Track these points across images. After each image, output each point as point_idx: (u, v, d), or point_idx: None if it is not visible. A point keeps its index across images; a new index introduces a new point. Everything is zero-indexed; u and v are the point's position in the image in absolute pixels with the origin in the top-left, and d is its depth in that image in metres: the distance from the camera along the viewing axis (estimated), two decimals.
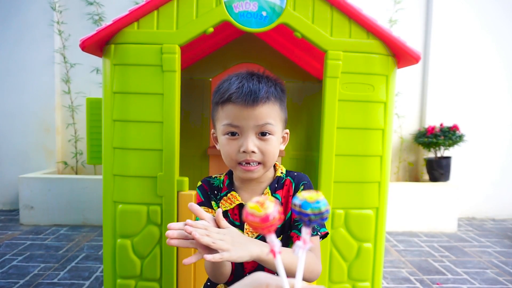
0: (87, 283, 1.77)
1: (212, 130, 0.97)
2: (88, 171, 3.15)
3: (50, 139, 3.09)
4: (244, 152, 0.85)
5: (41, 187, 2.71)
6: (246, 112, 0.84)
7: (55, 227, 2.64)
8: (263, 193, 0.92)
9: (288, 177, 0.94)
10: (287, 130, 0.96)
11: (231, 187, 0.94)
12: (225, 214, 0.91)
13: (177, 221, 1.16)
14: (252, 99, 0.83)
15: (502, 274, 2.00)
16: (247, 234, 0.88)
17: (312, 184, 0.95)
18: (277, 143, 0.89)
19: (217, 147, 0.95)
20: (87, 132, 1.31)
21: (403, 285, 1.85)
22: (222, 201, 0.93)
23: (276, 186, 0.92)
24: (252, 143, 0.84)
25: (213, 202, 0.94)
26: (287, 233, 0.90)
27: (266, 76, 0.90)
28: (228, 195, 0.92)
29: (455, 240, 2.60)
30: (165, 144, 1.13)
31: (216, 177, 0.99)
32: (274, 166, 0.97)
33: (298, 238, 0.86)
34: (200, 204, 0.93)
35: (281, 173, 0.95)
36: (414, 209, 2.80)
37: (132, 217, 1.15)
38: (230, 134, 0.87)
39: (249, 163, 0.86)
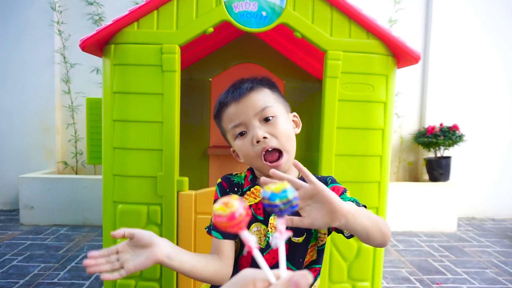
0: (87, 283, 1.77)
1: (231, 149, 0.96)
2: (88, 171, 3.15)
3: (50, 139, 3.09)
4: (257, 142, 0.84)
5: (41, 187, 2.71)
6: (240, 106, 0.86)
7: (55, 227, 2.64)
8: None
9: None
10: (295, 113, 0.94)
11: (254, 181, 0.92)
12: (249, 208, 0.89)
13: (177, 221, 1.16)
14: (238, 93, 0.87)
15: (501, 274, 2.00)
16: (270, 230, 0.86)
17: (336, 180, 0.92)
18: (285, 123, 0.88)
19: (241, 161, 0.94)
20: (87, 132, 1.31)
21: (403, 285, 1.85)
22: (245, 195, 0.91)
23: None
24: (259, 130, 0.84)
25: None
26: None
27: (250, 77, 0.93)
28: (252, 189, 0.91)
29: (455, 240, 2.60)
30: (165, 144, 1.13)
31: (237, 174, 0.97)
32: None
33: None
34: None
35: None
36: (414, 209, 2.80)
37: (132, 217, 1.15)
38: (239, 135, 0.87)
39: (268, 151, 0.84)
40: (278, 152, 0.85)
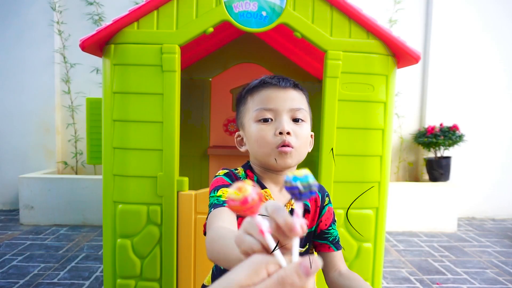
0: (87, 283, 1.77)
1: (237, 133, 0.92)
2: (88, 171, 3.15)
3: (50, 139, 3.09)
4: (280, 134, 0.81)
5: (41, 187, 2.71)
6: (280, 94, 0.83)
7: (55, 227, 2.64)
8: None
9: None
10: (312, 133, 0.92)
11: (262, 184, 0.88)
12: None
13: (177, 221, 1.16)
14: (284, 82, 0.84)
15: (502, 274, 2.00)
16: None
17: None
18: (308, 132, 0.87)
19: (242, 149, 0.91)
20: (87, 132, 1.31)
21: (403, 285, 1.85)
22: None
23: None
24: (287, 124, 0.82)
25: None
26: (312, 242, 0.90)
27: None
28: (261, 191, 0.88)
29: (455, 240, 2.60)
30: (165, 144, 1.13)
31: (237, 169, 0.93)
32: None
33: (326, 248, 0.87)
34: (226, 186, 0.85)
35: None
36: (414, 209, 2.80)
37: (132, 217, 1.15)
38: (262, 121, 0.83)
39: (285, 146, 0.81)
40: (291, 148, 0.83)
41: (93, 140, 1.30)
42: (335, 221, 0.91)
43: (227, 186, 0.85)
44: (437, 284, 1.86)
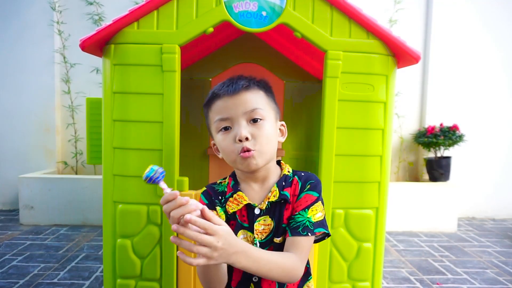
0: (87, 283, 1.77)
1: (212, 142, 0.96)
2: (88, 171, 3.15)
3: (50, 139, 3.09)
4: (239, 141, 0.84)
5: (41, 187, 2.71)
6: (231, 101, 0.86)
7: (55, 227, 2.64)
8: (270, 191, 0.90)
9: (295, 176, 0.93)
10: (283, 122, 0.95)
11: (236, 187, 0.92)
12: (233, 216, 0.89)
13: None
14: (233, 88, 0.87)
15: (502, 274, 2.00)
16: (256, 236, 0.87)
17: (320, 182, 0.93)
18: (270, 129, 0.89)
19: (219, 156, 0.94)
20: (87, 132, 1.31)
21: (403, 285, 1.85)
22: (228, 202, 0.90)
23: (284, 183, 0.91)
24: (244, 129, 0.85)
25: (218, 208, 0.91)
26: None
27: (248, 76, 0.93)
28: (234, 195, 0.90)
29: (455, 240, 2.60)
30: (165, 144, 1.13)
31: (221, 182, 0.97)
32: (280, 165, 0.96)
33: (286, 233, 0.88)
34: None
35: (288, 171, 0.94)
36: (414, 209, 2.80)
37: (132, 217, 1.15)
38: (223, 130, 0.88)
39: (246, 151, 0.85)
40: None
41: (93, 140, 1.30)
42: (308, 208, 0.88)
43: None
44: (437, 284, 1.86)
